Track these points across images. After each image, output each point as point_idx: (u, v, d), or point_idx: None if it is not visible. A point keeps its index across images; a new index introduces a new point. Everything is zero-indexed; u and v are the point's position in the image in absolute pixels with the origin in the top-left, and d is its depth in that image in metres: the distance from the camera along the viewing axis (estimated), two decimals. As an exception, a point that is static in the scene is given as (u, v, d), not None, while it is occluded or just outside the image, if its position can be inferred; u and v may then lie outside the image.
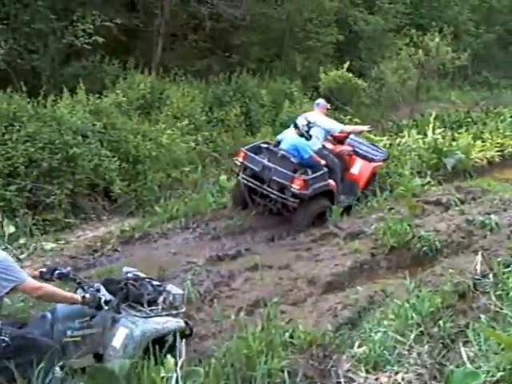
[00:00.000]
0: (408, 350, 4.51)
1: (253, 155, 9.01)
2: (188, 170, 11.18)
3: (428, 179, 10.84)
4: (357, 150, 10.17)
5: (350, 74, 16.99)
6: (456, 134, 14.18)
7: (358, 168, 9.99)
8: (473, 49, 22.35)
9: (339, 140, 10.09)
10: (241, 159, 9.06)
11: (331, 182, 9.09)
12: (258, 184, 8.86)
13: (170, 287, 4.99)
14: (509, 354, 3.89)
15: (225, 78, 15.38)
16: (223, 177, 10.73)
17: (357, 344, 4.75)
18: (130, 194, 9.91)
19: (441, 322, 4.89)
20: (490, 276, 5.70)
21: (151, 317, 4.68)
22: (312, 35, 18.35)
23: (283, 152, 8.94)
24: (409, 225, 8.09)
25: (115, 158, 9.93)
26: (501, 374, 3.72)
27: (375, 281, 7.05)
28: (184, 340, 4.64)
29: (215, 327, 5.56)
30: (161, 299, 4.86)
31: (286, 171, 8.71)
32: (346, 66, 16.89)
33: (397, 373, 4.15)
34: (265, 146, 9.32)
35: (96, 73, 13.78)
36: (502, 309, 4.83)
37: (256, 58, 17.61)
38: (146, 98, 12.92)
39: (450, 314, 5.14)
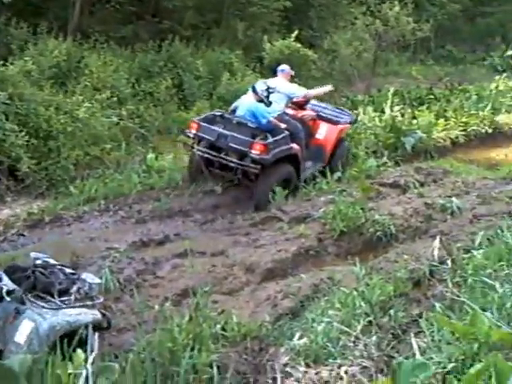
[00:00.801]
0: (354, 342, 4.51)
1: (206, 125, 9.25)
2: (110, 148, 11.14)
3: (384, 160, 11.02)
4: (320, 114, 10.46)
5: (299, 45, 17.04)
6: (416, 112, 14.44)
7: (324, 132, 10.33)
8: (436, 20, 22.77)
9: (300, 105, 10.37)
10: (194, 131, 9.30)
11: (294, 145, 9.36)
12: (215, 154, 9.11)
13: (85, 275, 4.96)
14: (462, 344, 3.94)
15: (154, 46, 15.27)
16: (151, 155, 10.72)
17: (297, 336, 4.73)
18: (39, 173, 9.82)
19: (392, 312, 4.90)
20: (448, 262, 5.74)
21: (62, 308, 4.59)
22: (256, 0, 18.29)
23: (239, 118, 9.22)
24: (361, 208, 8.20)
25: (23, 133, 9.79)
26: (452, 365, 3.74)
27: (322, 268, 7.11)
28: (97, 333, 4.55)
29: (136, 319, 5.47)
30: (74, 289, 4.83)
31: (243, 137, 8.96)
32: (294, 35, 16.92)
33: (340, 366, 4.14)
34: (219, 114, 9.62)
35: (1, 37, 13.47)
36: (459, 296, 4.88)
37: (191, 24, 17.47)
38: (61, 66, 12.77)
39: (402, 302, 5.16)
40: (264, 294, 6.22)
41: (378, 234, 7.76)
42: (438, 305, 4.86)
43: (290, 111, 10.18)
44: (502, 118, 15.53)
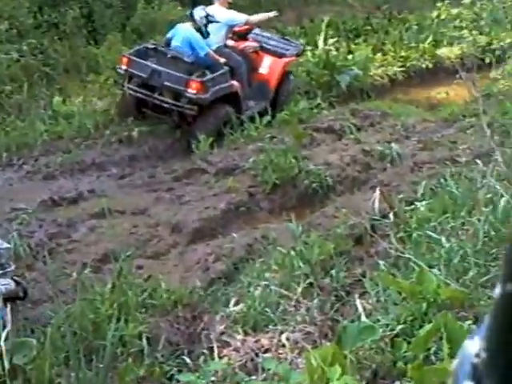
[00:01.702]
0: (294, 306, 4.66)
1: (138, 60, 9.29)
2: (10, 90, 10.81)
3: (318, 101, 11.07)
4: (264, 45, 10.48)
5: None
6: (352, 46, 14.49)
7: (267, 66, 10.38)
8: None
9: (241, 35, 10.42)
10: (124, 66, 9.34)
11: (235, 83, 9.44)
12: (148, 93, 9.14)
13: (-8, 240, 4.89)
14: (410, 304, 4.14)
15: (57, -32, 14.74)
16: (57, 98, 10.52)
17: (233, 302, 4.86)
18: None
19: (333, 272, 5.07)
20: (391, 216, 5.93)
21: (-32, 280, 4.57)
22: None
23: (174, 52, 9.21)
24: (294, 157, 8.30)
25: None
26: (401, 327, 3.93)
27: (255, 226, 7.22)
28: (9, 305, 4.56)
29: (52, 289, 5.48)
30: (-21, 256, 4.78)
31: (179, 74, 9.02)
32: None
33: (281, 332, 4.29)
34: (152, 47, 9.63)
35: None
36: (403, 253, 5.08)
37: None
38: None
39: (344, 261, 5.35)
40: (193, 257, 6.28)
41: (314, 185, 7.89)
42: (381, 263, 5.05)
43: (231, 42, 10.20)
44: (443, 51, 15.71)
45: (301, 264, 5.21)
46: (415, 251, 4.98)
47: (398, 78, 13.80)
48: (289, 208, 7.59)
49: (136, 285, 5.13)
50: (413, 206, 6.16)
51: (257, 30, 10.86)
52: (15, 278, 4.92)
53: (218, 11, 9.91)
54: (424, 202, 6.11)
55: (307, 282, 4.94)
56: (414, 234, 5.35)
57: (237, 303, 4.81)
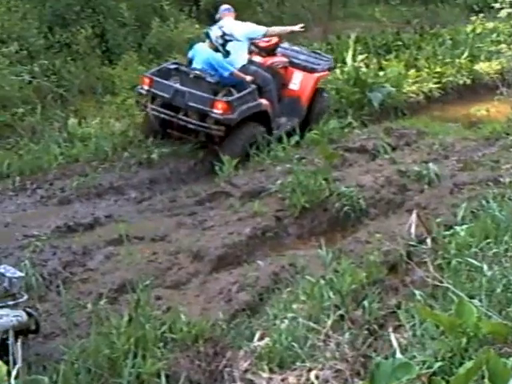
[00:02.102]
0: (324, 341, 4.57)
1: (160, 80, 9.44)
2: (22, 112, 10.92)
3: (349, 120, 11.07)
4: (293, 60, 10.62)
5: (241, -16, 16.90)
6: (383, 62, 14.49)
7: (298, 82, 10.53)
8: (400, -51, 22.78)
9: (268, 50, 10.52)
10: (146, 87, 9.47)
11: (263, 101, 9.57)
12: (173, 114, 9.31)
13: (3, 268, 4.89)
14: (449, 338, 4.03)
15: (67, -13, 14.89)
16: (73, 120, 10.62)
17: (257, 336, 4.78)
18: None
19: (365, 303, 4.97)
20: (428, 241, 5.86)
21: (-21, 311, 4.55)
22: None
23: (197, 72, 9.35)
24: (325, 179, 8.25)
25: None
26: (439, 364, 3.82)
27: (282, 253, 7.15)
28: (20, 339, 4.50)
29: (65, 321, 5.44)
30: (-9, 286, 4.76)
31: (203, 94, 9.15)
32: (235, -28, 16.76)
33: (309, 370, 4.19)
34: (174, 66, 9.81)
35: None
36: (441, 282, 4.98)
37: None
38: (-46, 15, 12.44)
39: (377, 291, 5.24)
40: (216, 287, 6.22)
41: (346, 209, 7.82)
42: (418, 293, 4.95)
43: (257, 58, 10.33)
44: (481, 67, 15.71)
45: (331, 294, 5.13)
46: (454, 280, 4.89)
47: (433, 94, 13.78)
48: (318, 233, 7.56)
49: (154, 317, 5.07)
50: (452, 231, 6.09)
51: (285, 45, 11.02)
52: (27, 309, 4.88)
53: (235, 27, 9.98)
54: (464, 227, 6.05)
55: (337, 314, 4.86)
56: (453, 261, 5.28)
57: (262, 337, 4.73)
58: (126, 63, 13.32)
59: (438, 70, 14.64)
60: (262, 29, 10.42)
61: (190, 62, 9.79)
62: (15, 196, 8.38)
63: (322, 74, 10.90)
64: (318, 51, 12.34)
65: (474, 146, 10.13)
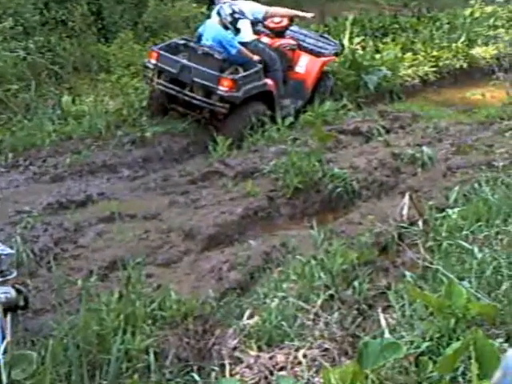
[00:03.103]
0: (313, 320, 4.58)
1: (168, 55, 9.58)
2: (16, 89, 10.86)
3: (344, 102, 11.04)
4: (301, 43, 10.75)
5: (241, -40, 16.80)
6: (380, 45, 14.46)
7: (304, 65, 10.66)
8: None
9: (277, 32, 10.63)
10: (154, 61, 9.63)
11: (268, 81, 9.70)
12: (178, 89, 9.43)
13: (-7, 245, 4.86)
14: (437, 319, 4.04)
15: (64, -39, 14.80)
16: (67, 98, 10.59)
17: (247, 314, 4.79)
18: None
19: (356, 283, 4.99)
20: (420, 223, 5.86)
21: (-34, 288, 4.54)
22: None
23: (206, 48, 9.45)
24: (318, 160, 8.27)
25: None
26: (426, 344, 3.83)
27: (273, 232, 7.17)
28: (9, 314, 4.51)
29: (55, 297, 5.43)
30: (-20, 262, 4.74)
31: (210, 71, 9.29)
32: None
33: (298, 349, 4.20)
34: (182, 42, 9.92)
35: None
36: (432, 264, 4.99)
37: None
38: None
39: (367, 272, 5.25)
40: (207, 265, 6.22)
41: (338, 190, 7.84)
42: (408, 274, 4.97)
43: (266, 39, 10.44)
44: (478, 51, 15.67)
45: (321, 274, 5.14)
46: (445, 262, 4.91)
47: (429, 78, 13.76)
48: (311, 214, 7.58)
49: (145, 294, 5.05)
50: (444, 214, 6.09)
51: (294, 28, 11.13)
52: (16, 285, 4.87)
53: (243, 5, 10.10)
54: (456, 209, 6.05)
55: (327, 293, 4.87)
56: (444, 244, 5.29)
57: (251, 316, 4.74)
58: (122, 41, 13.27)
59: (435, 53, 14.60)
60: (264, 8, 10.55)
61: (199, 38, 9.91)
62: (7, 172, 8.37)
63: (328, 58, 11.03)
64: (326, 35, 12.40)
65: (469, 130, 10.10)
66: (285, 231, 7.14)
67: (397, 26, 17.22)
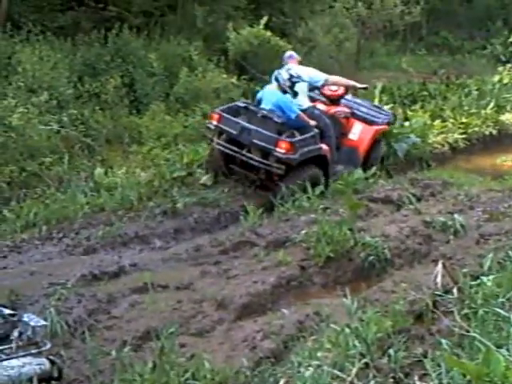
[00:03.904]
0: (349, 389, 4.57)
1: (229, 116, 9.92)
2: (50, 162, 11.05)
3: (374, 170, 11.09)
4: (355, 111, 11.12)
5: (269, 33, 17.16)
6: (409, 112, 14.59)
7: (358, 132, 11.02)
8: (428, 2, 22.98)
9: (333, 100, 11.05)
10: (215, 122, 9.99)
11: (324, 146, 10.01)
12: (237, 150, 9.74)
13: (27, 317, 4.91)
14: (476, 387, 4.01)
15: (99, 37, 15.29)
16: (99, 170, 10.71)
17: (281, 383, 4.78)
18: (-35, 194, 9.68)
19: (391, 351, 4.95)
20: (454, 291, 5.84)
21: (1, 360, 4.57)
22: (217, -20, 18.44)
23: (265, 111, 9.83)
24: (350, 229, 8.25)
25: None
26: (466, 413, 3.82)
27: (306, 301, 7.13)
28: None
29: (90, 368, 5.46)
30: (15, 334, 4.78)
31: (268, 133, 9.60)
32: (263, 22, 17.02)
33: (334, 417, 4.20)
34: (243, 105, 10.28)
35: None
36: (468, 331, 4.96)
37: (141, 10, 17.49)
38: (-12, 64, 12.70)
39: (403, 340, 5.22)
40: (240, 335, 6.20)
41: (371, 259, 7.81)
42: (444, 341, 4.93)
43: (322, 106, 10.83)
44: (507, 117, 15.79)
45: (356, 343, 5.10)
46: (481, 329, 4.88)
47: (459, 145, 13.84)
48: (343, 282, 7.54)
49: (178, 364, 5.08)
50: (478, 281, 6.03)
51: (349, 97, 11.46)
52: (50, 357, 4.90)
53: (301, 70, 10.53)
54: (491, 277, 5.99)
55: (363, 362, 4.84)
56: (480, 311, 5.24)
57: (286, 385, 4.72)
58: (154, 113, 13.53)
59: (464, 120, 14.72)
60: (324, 75, 10.90)
61: (259, 102, 10.33)
62: (41, 245, 8.41)
63: (381, 127, 11.33)
64: (379, 105, 12.85)
65: (500, 197, 10.08)
66: (318, 300, 7.10)
67: (426, 93, 17.41)
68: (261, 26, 17.01)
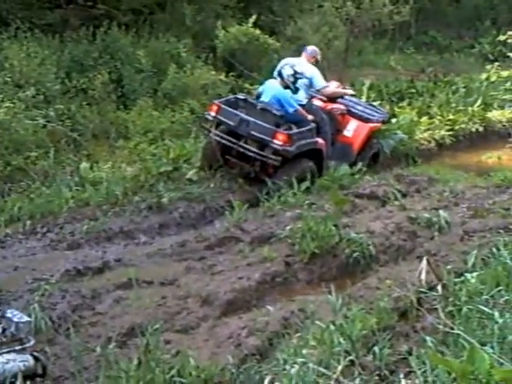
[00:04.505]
0: (334, 386, 4.56)
1: (227, 108, 10.07)
2: (35, 156, 11.00)
3: (359, 166, 11.10)
4: (351, 109, 11.34)
5: (258, 31, 17.20)
6: (396, 109, 14.65)
7: (352, 129, 11.25)
8: (417, 1, 23.03)
9: (330, 97, 11.20)
10: (213, 113, 10.16)
11: (320, 140, 10.20)
12: (234, 141, 9.91)
13: (10, 313, 4.89)
14: (461, 384, 4.01)
15: (87, 34, 15.26)
16: (85, 164, 10.68)
17: (267, 381, 4.75)
18: (-51, 188, 9.64)
19: (376, 349, 4.96)
20: (439, 288, 5.84)
21: (-16, 357, 4.55)
22: (206, -21, 18.39)
23: (263, 104, 10.02)
24: (335, 225, 8.26)
25: None
26: (450, 411, 3.82)
27: (291, 298, 7.13)
28: (28, 382, 4.52)
29: (74, 365, 5.43)
30: (-2, 330, 4.76)
31: (266, 125, 9.77)
32: (252, 20, 17.05)
33: (319, 416, 4.19)
34: (242, 97, 10.45)
35: None
36: (452, 329, 4.96)
37: (130, 8, 17.44)
38: (-26, 60, 12.65)
39: (387, 337, 5.23)
40: (225, 331, 6.18)
41: (356, 255, 7.82)
42: (429, 339, 4.93)
43: (319, 102, 11.00)
44: (494, 115, 15.86)
45: (341, 340, 5.10)
46: (466, 327, 4.88)
47: (445, 142, 13.91)
48: (328, 279, 7.52)
49: (163, 361, 5.05)
50: (463, 278, 6.05)
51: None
52: (34, 353, 4.88)
53: (305, 67, 10.71)
54: (475, 274, 6.01)
55: (348, 359, 4.83)
56: (464, 308, 5.27)
57: (271, 382, 4.71)
58: (141, 108, 13.53)
59: (451, 117, 14.80)
60: (324, 83, 11.07)
61: (259, 96, 10.57)
62: (25, 239, 8.37)
63: (375, 124, 11.50)
64: (374, 103, 13.04)
65: (485, 193, 10.13)
66: (303, 296, 7.09)
67: (413, 90, 17.50)
68: (249, 24, 17.01)
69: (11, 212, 8.99)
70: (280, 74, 10.32)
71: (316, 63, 11.26)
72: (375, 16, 18.75)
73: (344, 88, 12.04)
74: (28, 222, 8.71)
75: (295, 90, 10.34)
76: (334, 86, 11.56)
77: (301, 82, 10.47)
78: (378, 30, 21.46)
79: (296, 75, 10.28)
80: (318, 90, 11.06)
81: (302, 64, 10.80)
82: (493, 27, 26.48)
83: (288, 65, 10.47)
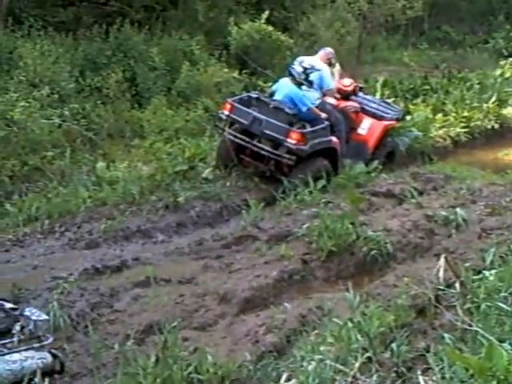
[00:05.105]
0: (351, 383, 4.57)
1: (241, 107, 10.03)
2: (52, 156, 11.07)
3: (375, 164, 11.09)
4: (365, 107, 11.29)
5: (271, 28, 17.17)
6: (411, 106, 14.59)
7: (367, 127, 11.19)
8: (430, -5, 22.96)
9: (344, 95, 11.22)
10: (227, 112, 10.13)
11: (334, 138, 10.14)
12: (248, 140, 9.86)
13: (29, 311, 4.89)
14: (478, 381, 4.00)
15: (100, 32, 15.31)
16: (101, 164, 10.73)
17: (284, 377, 4.78)
18: (-34, 189, 9.68)
19: (393, 346, 4.96)
20: (457, 285, 5.83)
21: (3, 354, 4.56)
22: (219, -25, 18.43)
23: (276, 103, 9.98)
24: (352, 223, 8.25)
25: None
26: (468, 407, 3.82)
27: (309, 295, 7.14)
28: (47, 379, 4.54)
29: (93, 362, 5.47)
30: (17, 328, 4.76)
31: (280, 124, 9.73)
32: (264, 16, 17.03)
33: (337, 412, 4.20)
34: (255, 96, 10.41)
35: None
36: (471, 326, 4.96)
37: (143, 5, 17.51)
38: (-11, 59, 12.71)
39: (405, 334, 5.22)
40: (243, 329, 6.20)
41: (373, 253, 7.82)
42: (447, 336, 4.93)
43: (332, 101, 10.95)
44: (509, 111, 15.77)
45: (358, 337, 5.10)
46: (484, 324, 4.88)
47: (461, 139, 13.84)
48: (345, 277, 7.55)
49: (181, 358, 5.08)
50: (481, 275, 6.03)
51: (359, 93, 11.63)
52: (52, 350, 4.91)
53: (317, 62, 10.74)
54: (493, 271, 6.00)
55: (365, 356, 4.83)
56: (483, 306, 5.24)
57: (288, 379, 4.73)
58: (155, 107, 13.55)
59: (466, 114, 14.71)
60: (332, 85, 11.09)
61: (272, 94, 10.54)
62: (44, 239, 8.43)
63: (390, 122, 11.44)
64: (388, 101, 12.93)
65: (502, 191, 10.06)
66: (320, 294, 7.10)
67: (427, 87, 17.40)
68: (262, 21, 16.99)
69: (29, 212, 9.05)
70: (290, 74, 10.29)
71: (329, 65, 11.26)
72: (388, 11, 18.70)
73: (357, 85, 11.85)
74: (46, 222, 8.77)
75: (310, 84, 10.28)
76: (347, 83, 11.49)
77: (312, 76, 10.37)
78: (390, 26, 21.38)
79: (306, 71, 10.21)
80: (326, 92, 11.00)
81: (314, 60, 10.82)
82: (506, 22, 26.35)
83: (297, 62, 10.45)
